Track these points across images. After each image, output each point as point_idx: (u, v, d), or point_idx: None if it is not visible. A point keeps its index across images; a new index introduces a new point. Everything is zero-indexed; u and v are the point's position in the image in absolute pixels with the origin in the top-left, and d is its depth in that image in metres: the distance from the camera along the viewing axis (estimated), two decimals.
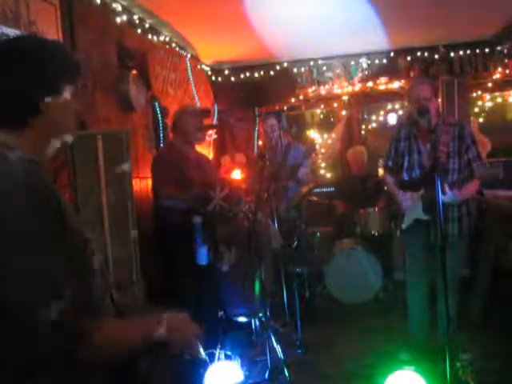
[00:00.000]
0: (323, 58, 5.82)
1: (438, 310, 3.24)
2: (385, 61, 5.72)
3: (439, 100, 5.47)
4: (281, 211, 3.96)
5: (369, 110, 6.20)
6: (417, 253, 3.31)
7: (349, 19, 4.38)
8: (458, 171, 3.13)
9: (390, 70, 5.71)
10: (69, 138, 1.21)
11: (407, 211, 3.25)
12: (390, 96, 5.80)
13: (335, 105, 5.97)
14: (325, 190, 5.86)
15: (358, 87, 5.80)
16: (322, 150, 6.17)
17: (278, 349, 3.24)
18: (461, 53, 5.56)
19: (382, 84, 5.74)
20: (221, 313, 3.31)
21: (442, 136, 3.12)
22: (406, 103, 5.84)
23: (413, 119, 3.28)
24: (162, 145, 4.25)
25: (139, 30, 4.04)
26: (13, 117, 1.11)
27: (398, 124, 3.53)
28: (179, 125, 3.62)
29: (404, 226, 3.29)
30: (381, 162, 5.95)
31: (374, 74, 5.75)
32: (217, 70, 5.93)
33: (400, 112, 5.83)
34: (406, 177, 3.31)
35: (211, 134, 5.55)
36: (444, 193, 2.82)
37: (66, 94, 1.15)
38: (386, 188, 4.91)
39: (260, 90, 5.81)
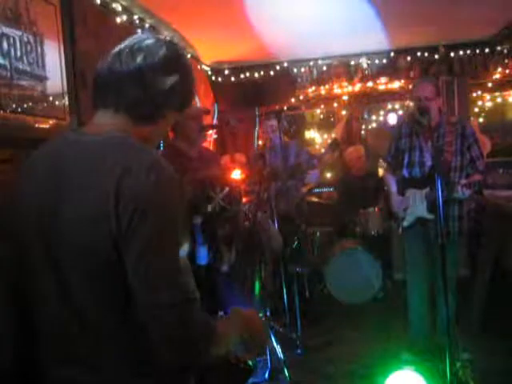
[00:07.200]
0: (323, 58, 5.81)
1: (438, 309, 3.24)
2: (385, 61, 5.71)
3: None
4: (281, 211, 3.96)
5: (369, 109, 6.20)
6: (417, 251, 3.32)
7: (349, 19, 4.37)
8: (461, 169, 3.17)
9: (390, 69, 5.70)
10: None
11: (409, 209, 3.26)
12: (390, 96, 5.80)
13: (335, 105, 5.97)
14: (325, 189, 5.86)
15: (357, 87, 5.80)
16: (322, 150, 6.16)
17: (278, 349, 3.24)
18: (461, 53, 5.55)
19: (382, 84, 5.73)
20: (221, 313, 3.30)
21: (447, 135, 3.14)
22: (406, 103, 5.87)
23: (415, 117, 3.30)
24: (161, 144, 4.24)
25: (139, 30, 4.04)
26: (148, 114, 1.20)
27: (399, 122, 3.57)
28: (179, 126, 3.62)
29: (406, 223, 3.29)
30: (381, 161, 5.97)
31: (374, 74, 5.75)
32: (217, 70, 5.93)
33: (400, 112, 5.83)
34: (405, 173, 3.33)
35: (211, 134, 5.55)
36: (457, 192, 2.89)
37: (177, 115, 1.27)
38: (386, 188, 4.93)
39: (260, 90, 5.81)
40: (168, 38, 1.25)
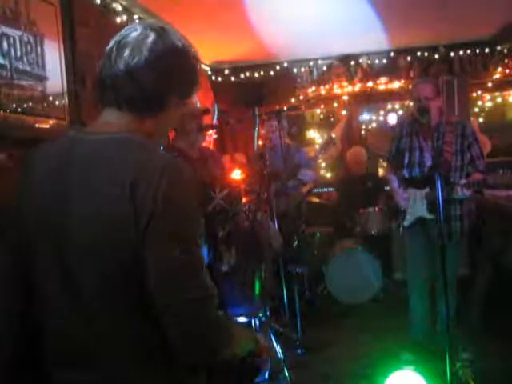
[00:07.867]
0: (323, 58, 5.82)
1: (438, 309, 3.24)
2: (385, 61, 5.72)
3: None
4: (281, 211, 3.95)
5: (369, 109, 6.20)
6: (418, 251, 3.32)
7: (349, 19, 4.37)
8: (461, 168, 3.17)
9: (390, 70, 5.71)
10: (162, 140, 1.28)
11: (410, 208, 3.26)
12: (390, 96, 5.80)
13: (335, 105, 5.97)
14: (325, 189, 5.86)
15: (357, 87, 5.80)
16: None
17: (278, 349, 3.24)
18: (461, 53, 5.56)
19: (382, 84, 5.73)
20: (221, 313, 3.30)
21: (447, 135, 3.14)
22: (406, 103, 5.87)
23: (415, 117, 3.30)
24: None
25: None
26: (148, 109, 1.16)
27: (399, 122, 3.57)
28: (179, 127, 3.62)
29: (406, 223, 3.30)
30: (381, 161, 5.98)
31: (374, 74, 5.75)
32: (217, 70, 5.94)
33: (400, 112, 5.83)
34: (406, 174, 3.33)
35: (211, 134, 5.55)
36: (456, 193, 2.89)
37: (182, 103, 1.21)
38: (386, 187, 4.92)
39: (260, 90, 5.81)
40: (158, 25, 1.19)
